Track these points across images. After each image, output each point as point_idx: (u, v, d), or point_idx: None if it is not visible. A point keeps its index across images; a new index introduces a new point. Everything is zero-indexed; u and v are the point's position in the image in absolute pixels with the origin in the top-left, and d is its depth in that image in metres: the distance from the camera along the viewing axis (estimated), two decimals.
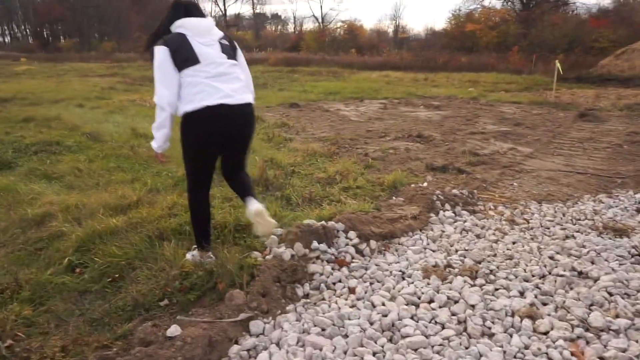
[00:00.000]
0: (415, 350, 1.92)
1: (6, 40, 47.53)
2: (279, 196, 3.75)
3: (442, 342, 1.97)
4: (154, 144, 2.42)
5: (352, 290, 2.43)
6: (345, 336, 2.01)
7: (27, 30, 48.59)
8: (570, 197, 3.96)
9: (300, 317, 2.19)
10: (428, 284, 2.46)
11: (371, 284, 2.49)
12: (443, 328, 2.07)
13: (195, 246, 2.64)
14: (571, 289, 2.42)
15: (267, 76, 16.95)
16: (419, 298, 2.32)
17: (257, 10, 52.18)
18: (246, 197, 2.52)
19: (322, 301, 2.34)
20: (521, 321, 2.09)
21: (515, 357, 1.88)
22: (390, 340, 2.01)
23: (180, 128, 2.35)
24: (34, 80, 13.96)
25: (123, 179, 4.13)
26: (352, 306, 2.27)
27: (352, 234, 2.92)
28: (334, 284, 2.51)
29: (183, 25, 2.32)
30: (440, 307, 2.25)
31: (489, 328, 2.07)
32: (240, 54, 2.54)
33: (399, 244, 3.01)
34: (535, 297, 2.32)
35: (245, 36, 41.93)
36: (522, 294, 2.37)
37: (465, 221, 3.37)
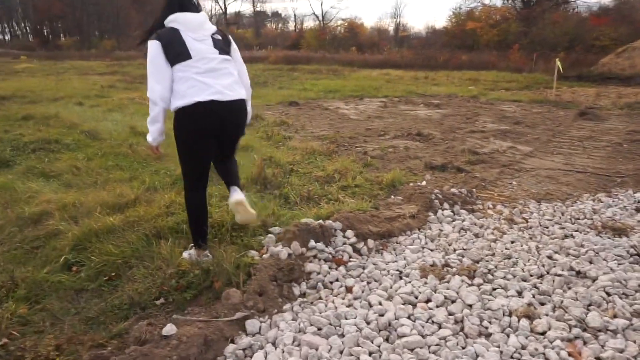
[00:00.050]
0: (412, 350, 1.91)
1: (6, 38, 47.51)
2: (277, 195, 3.74)
3: (439, 342, 1.96)
4: (149, 138, 2.46)
5: (349, 290, 2.42)
6: (342, 335, 2.00)
7: (27, 27, 48.55)
8: (569, 196, 3.95)
9: (296, 316, 2.18)
10: (425, 283, 2.45)
11: (368, 283, 2.48)
12: (440, 328, 2.06)
13: (192, 245, 2.63)
14: (569, 288, 2.40)
15: (267, 74, 16.92)
16: (416, 297, 2.31)
17: (258, 8, 52.13)
18: (230, 187, 2.62)
19: (319, 300, 2.33)
20: (518, 321, 2.08)
21: (512, 357, 1.87)
22: (386, 340, 2.00)
23: (173, 123, 2.36)
24: (33, 79, 13.94)
25: (121, 178, 4.12)
26: (349, 305, 2.26)
27: (349, 232, 2.91)
28: (331, 283, 2.50)
29: (176, 20, 2.32)
30: (437, 306, 2.24)
31: (486, 328, 2.06)
32: (234, 48, 2.53)
33: (396, 243, 3.00)
34: (533, 296, 2.31)
35: (245, 34, 41.89)
36: (519, 293, 2.36)
37: (463, 220, 3.35)
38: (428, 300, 2.29)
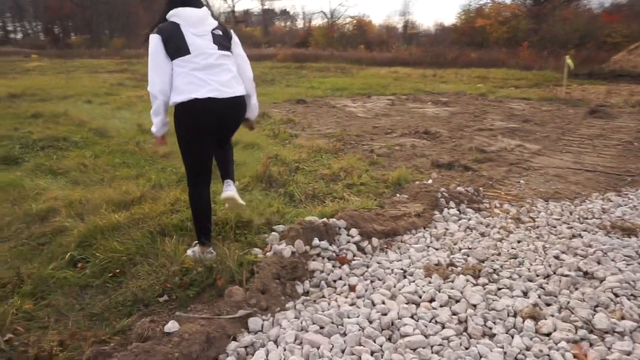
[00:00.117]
0: (414, 350, 1.90)
1: (18, 36, 48.06)
2: (282, 193, 3.73)
3: (442, 342, 1.94)
4: (153, 129, 2.50)
5: (352, 288, 2.41)
6: (344, 334, 1.99)
7: (39, 26, 49.06)
8: (578, 195, 3.89)
9: (299, 314, 2.17)
10: (429, 282, 2.43)
11: (372, 282, 2.47)
12: (443, 328, 2.05)
13: (196, 242, 2.64)
14: (576, 289, 2.37)
15: (275, 72, 16.91)
16: (420, 297, 2.29)
17: (266, 6, 52.11)
18: (225, 180, 2.72)
19: (322, 299, 2.32)
20: (523, 322, 2.06)
21: (516, 358, 1.84)
22: (389, 339, 1.99)
23: (173, 118, 2.38)
24: (44, 77, 14.07)
25: (128, 175, 4.14)
26: (352, 304, 2.25)
27: (353, 231, 2.90)
28: (334, 281, 2.49)
29: (177, 15, 2.33)
30: (441, 306, 2.22)
31: (490, 328, 2.04)
32: (235, 42, 2.53)
33: (401, 241, 2.98)
34: (539, 297, 2.28)
35: (253, 32, 41.89)
36: (525, 294, 2.33)
37: (469, 219, 3.32)
38: (432, 300, 2.27)
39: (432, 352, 1.88)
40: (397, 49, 26.85)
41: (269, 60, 23.25)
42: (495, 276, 2.51)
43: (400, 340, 1.95)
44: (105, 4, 39.89)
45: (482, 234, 3.09)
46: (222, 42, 2.42)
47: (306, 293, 2.40)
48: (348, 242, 2.83)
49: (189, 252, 2.59)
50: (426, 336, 1.98)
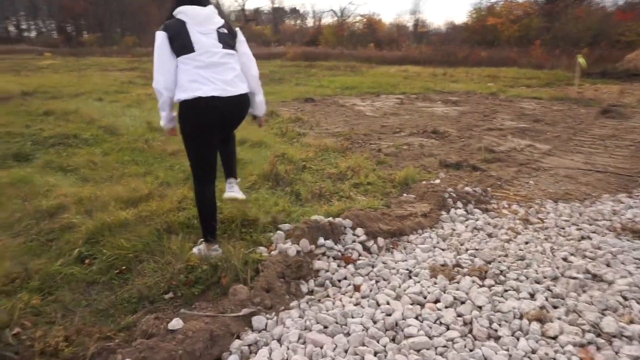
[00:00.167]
0: (418, 351, 1.88)
1: (32, 35, 48.69)
2: (289, 191, 3.73)
3: (446, 343, 1.93)
4: (162, 122, 2.53)
5: (357, 288, 2.40)
6: (347, 334, 1.99)
7: (52, 25, 49.67)
8: (588, 196, 3.84)
9: (303, 313, 2.17)
10: (435, 283, 2.41)
11: (377, 282, 2.46)
12: (448, 329, 2.03)
13: (202, 240, 2.65)
14: (584, 292, 2.34)
15: (284, 71, 16.94)
16: (425, 298, 2.28)
17: (276, 5, 52.20)
18: (228, 179, 2.90)
19: (327, 298, 2.32)
20: (529, 324, 2.03)
21: None
22: (392, 340, 1.97)
23: (177, 115, 2.41)
24: (56, 75, 14.25)
25: (136, 172, 4.18)
26: (356, 304, 2.24)
27: (359, 230, 2.89)
28: (339, 281, 2.49)
29: (183, 12, 2.36)
30: (446, 307, 2.20)
31: (496, 330, 2.02)
32: (240, 40, 2.54)
33: (407, 241, 2.96)
34: (546, 299, 2.25)
35: (263, 30, 41.98)
36: (532, 296, 2.30)
37: (477, 220, 3.29)
38: (437, 301, 2.26)
39: (436, 354, 1.87)
40: (407, 48, 26.72)
41: (278, 58, 23.29)
42: (501, 278, 2.48)
43: (404, 341, 1.94)
44: (117, 2, 40.24)
45: (490, 235, 3.06)
46: (227, 40, 2.43)
47: (311, 292, 2.39)
48: (353, 241, 2.82)
49: (195, 249, 2.60)
50: (430, 337, 1.96)
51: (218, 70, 2.34)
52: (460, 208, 3.46)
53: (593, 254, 2.73)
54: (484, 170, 4.51)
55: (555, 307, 2.20)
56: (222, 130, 2.50)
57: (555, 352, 1.86)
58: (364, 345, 1.92)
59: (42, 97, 8.88)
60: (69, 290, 2.35)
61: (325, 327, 2.04)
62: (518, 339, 1.95)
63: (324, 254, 2.68)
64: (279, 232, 2.83)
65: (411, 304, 2.21)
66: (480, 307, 2.19)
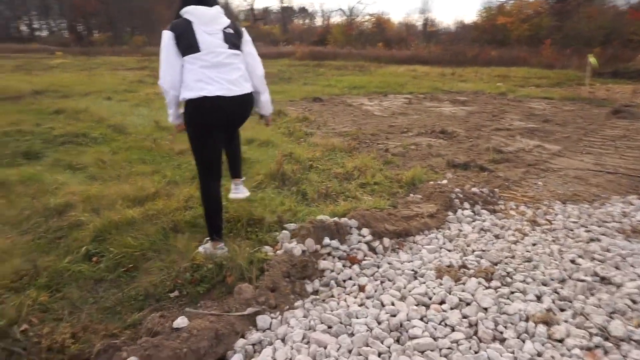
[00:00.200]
0: (422, 352, 1.87)
1: (43, 34, 49.26)
2: (295, 191, 3.74)
3: (451, 345, 1.92)
4: (169, 118, 2.58)
5: (362, 288, 2.40)
6: (351, 335, 1.98)
7: (63, 24, 50.19)
8: (597, 197, 3.79)
9: (307, 313, 2.17)
10: (440, 284, 2.40)
11: (382, 282, 2.45)
12: (453, 331, 2.02)
13: (208, 238, 2.66)
14: (592, 295, 2.31)
15: (292, 70, 16.95)
16: (430, 299, 2.27)
17: (285, 4, 52.21)
18: (233, 179, 3.06)
19: (331, 298, 2.31)
20: (535, 327, 2.01)
21: None
22: (397, 341, 1.97)
23: (183, 114, 2.45)
24: (66, 74, 14.40)
25: (144, 171, 4.21)
26: (361, 304, 2.24)
27: (365, 230, 2.88)
28: (344, 281, 2.48)
29: (190, 12, 2.39)
30: (451, 308, 2.19)
31: (501, 333, 2.00)
32: (246, 40, 2.56)
33: (413, 242, 2.95)
34: (553, 302, 2.23)
35: (272, 30, 42.03)
36: (538, 298, 2.28)
37: (484, 220, 3.27)
38: (442, 302, 2.24)
39: (440, 355, 1.86)
40: (416, 47, 26.60)
41: (286, 57, 23.30)
42: (508, 279, 2.46)
43: (408, 342, 1.93)
44: (127, 2, 40.54)
45: (497, 236, 3.04)
46: (233, 40, 2.44)
47: (315, 292, 2.39)
48: (359, 241, 2.81)
49: (200, 248, 2.62)
50: (435, 339, 1.95)
51: (223, 70, 2.36)
52: (467, 209, 3.44)
53: (602, 256, 2.69)
54: (491, 170, 4.48)
55: (562, 310, 2.17)
56: (226, 129, 2.53)
57: (562, 355, 1.84)
58: (368, 345, 1.91)
59: (53, 96, 8.99)
60: (76, 287, 2.37)
61: (330, 327, 2.04)
62: (524, 342, 1.93)
63: (329, 254, 2.68)
64: (284, 231, 2.83)
65: (416, 305, 2.20)
66: (486, 309, 2.17)
